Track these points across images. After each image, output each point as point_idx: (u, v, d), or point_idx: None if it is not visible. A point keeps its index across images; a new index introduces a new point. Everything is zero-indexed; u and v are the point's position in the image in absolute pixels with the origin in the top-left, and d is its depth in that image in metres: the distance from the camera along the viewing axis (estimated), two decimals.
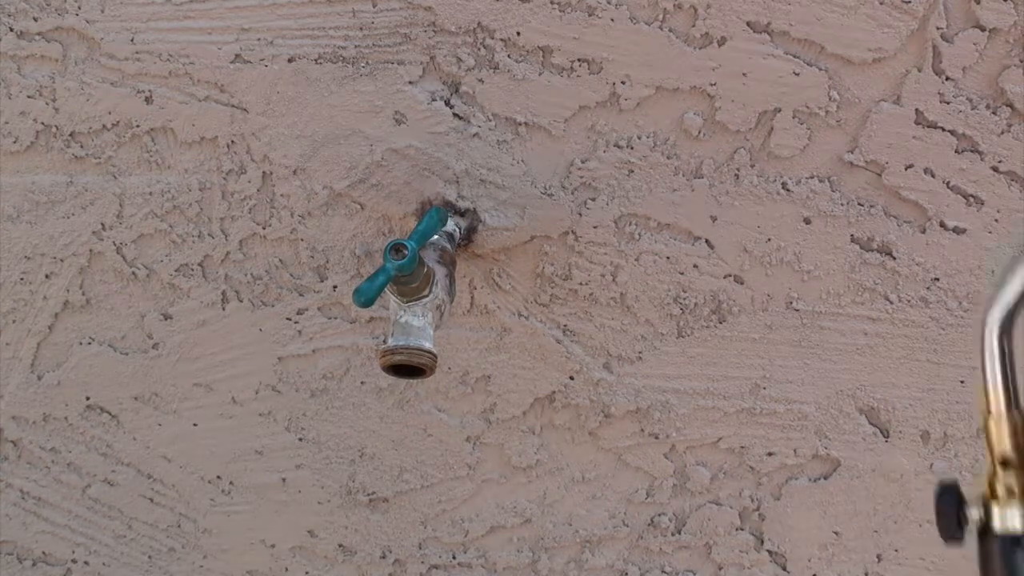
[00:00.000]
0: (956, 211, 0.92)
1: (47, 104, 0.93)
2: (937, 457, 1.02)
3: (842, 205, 0.93)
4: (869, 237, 0.94)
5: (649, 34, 0.88)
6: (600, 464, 1.07)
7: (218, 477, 1.11)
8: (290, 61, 0.91)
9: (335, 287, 1.00)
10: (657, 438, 1.05)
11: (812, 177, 0.92)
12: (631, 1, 0.87)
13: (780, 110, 0.90)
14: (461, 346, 1.02)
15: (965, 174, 0.91)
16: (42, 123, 0.94)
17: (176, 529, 1.14)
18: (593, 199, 0.94)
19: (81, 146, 0.95)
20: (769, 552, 1.10)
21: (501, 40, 0.89)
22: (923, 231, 0.93)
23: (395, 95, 0.92)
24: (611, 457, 1.07)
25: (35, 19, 0.91)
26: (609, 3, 0.88)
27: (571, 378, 1.03)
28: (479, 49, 0.90)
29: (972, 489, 0.60)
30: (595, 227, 0.95)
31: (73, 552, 1.15)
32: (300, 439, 1.08)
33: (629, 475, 1.08)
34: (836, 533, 1.09)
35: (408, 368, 0.83)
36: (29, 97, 0.93)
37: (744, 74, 0.89)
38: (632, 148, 0.92)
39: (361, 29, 0.90)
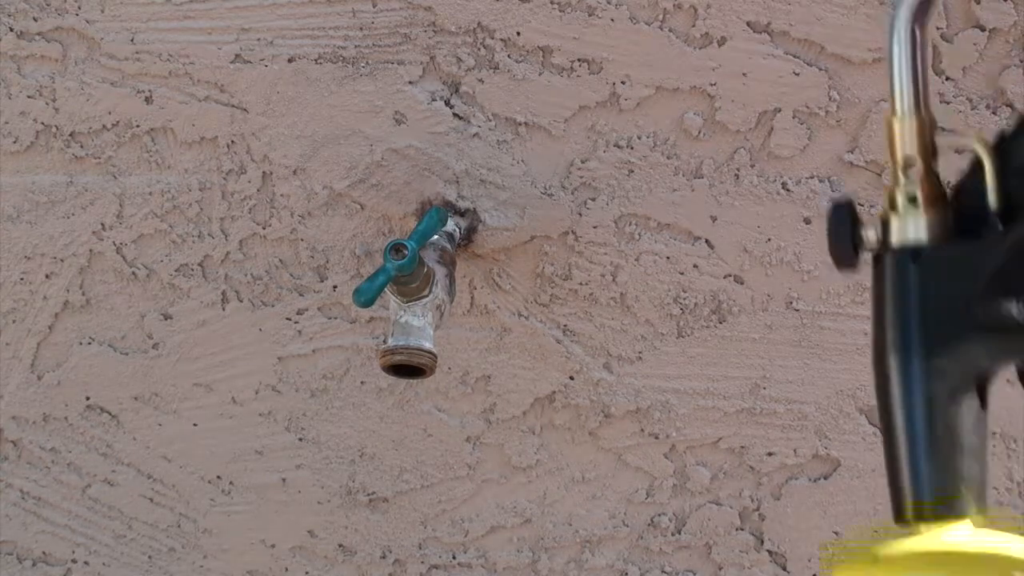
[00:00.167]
0: None
1: (47, 104, 0.93)
2: None
3: None
4: None
5: (649, 34, 0.88)
6: (600, 464, 1.07)
7: (218, 477, 1.11)
8: (290, 61, 0.91)
9: (335, 287, 1.00)
10: (657, 438, 1.05)
11: (812, 177, 0.92)
12: (631, 1, 0.87)
13: (780, 110, 0.90)
14: (461, 346, 1.02)
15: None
16: (42, 123, 0.94)
17: (176, 529, 1.14)
18: (593, 199, 0.94)
19: (81, 146, 0.95)
20: (769, 552, 1.10)
21: (501, 40, 0.89)
22: None
23: (395, 95, 0.92)
24: (611, 457, 1.07)
25: (35, 19, 0.91)
26: (609, 3, 0.88)
27: (571, 378, 1.03)
28: (479, 49, 0.90)
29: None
30: (595, 227, 0.95)
31: (73, 552, 1.15)
32: (300, 439, 1.08)
33: (629, 475, 1.08)
34: (836, 533, 1.09)
35: (408, 368, 0.83)
36: (29, 97, 0.93)
37: (744, 74, 0.89)
38: (632, 148, 0.92)
39: (361, 29, 0.90)
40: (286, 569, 1.16)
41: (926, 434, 0.49)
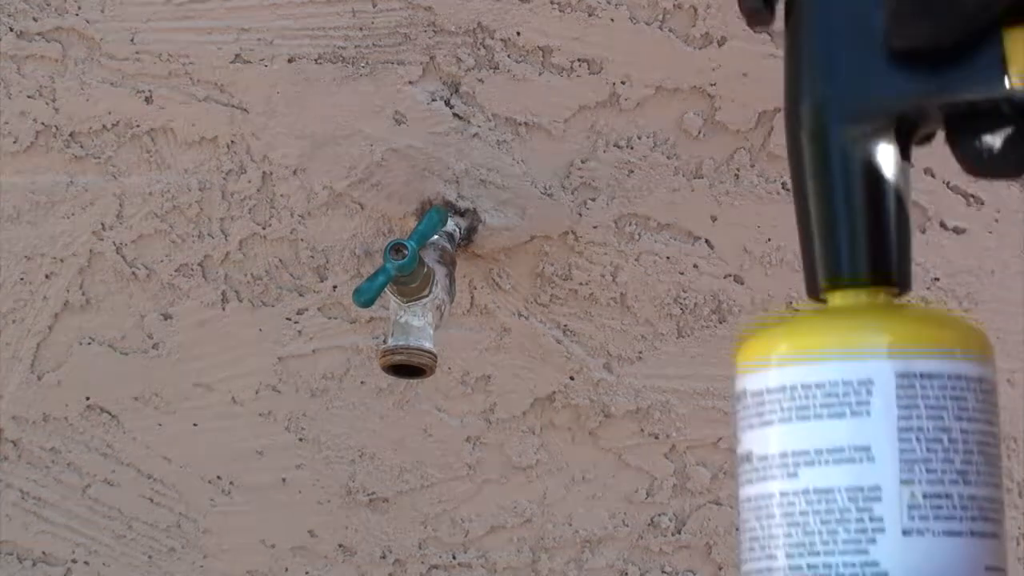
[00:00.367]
0: (956, 211, 0.92)
1: (47, 104, 0.93)
2: None
3: None
4: None
5: (649, 34, 0.88)
6: (600, 464, 1.07)
7: (218, 477, 1.11)
8: (290, 61, 0.91)
9: (335, 287, 1.00)
10: (657, 438, 1.05)
11: None
12: (631, 1, 0.87)
13: (780, 110, 0.90)
14: (461, 346, 1.02)
15: (965, 174, 0.91)
16: (42, 123, 0.94)
17: (176, 529, 1.14)
18: (593, 199, 0.94)
19: (81, 146, 0.95)
20: None
21: (501, 40, 0.89)
22: (923, 231, 0.93)
23: (395, 95, 0.92)
24: (611, 457, 1.07)
25: (35, 19, 0.91)
26: (609, 3, 0.87)
27: (571, 378, 1.03)
28: (479, 49, 0.90)
29: None
30: (595, 227, 0.95)
31: (73, 552, 1.15)
32: (300, 439, 1.08)
33: (629, 475, 1.08)
34: None
35: (408, 368, 0.83)
36: (29, 97, 0.93)
37: (744, 74, 0.89)
38: (632, 148, 0.92)
39: (361, 29, 0.90)
40: (286, 569, 1.16)
41: (842, 186, 0.44)
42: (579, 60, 0.89)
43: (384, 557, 1.14)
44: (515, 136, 0.92)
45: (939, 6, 0.41)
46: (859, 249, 0.43)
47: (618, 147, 0.92)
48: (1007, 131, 0.43)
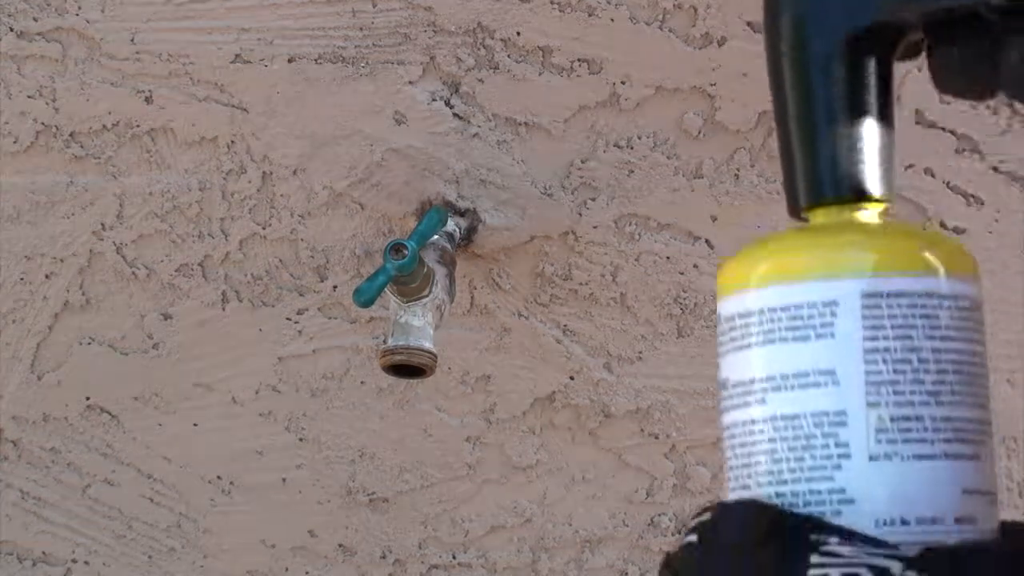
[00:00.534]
0: (956, 211, 0.92)
1: (47, 104, 0.93)
2: None
3: None
4: None
5: (649, 34, 0.88)
6: (600, 464, 1.07)
7: (218, 477, 1.11)
8: (290, 61, 0.91)
9: (335, 287, 1.00)
10: (657, 438, 1.05)
11: None
12: (631, 1, 0.87)
13: None
14: (461, 346, 1.02)
15: (965, 174, 0.91)
16: (42, 123, 0.94)
17: (176, 529, 1.14)
18: (593, 199, 0.94)
19: (81, 146, 0.95)
20: None
21: (501, 40, 0.89)
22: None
23: (395, 95, 0.92)
24: (611, 457, 1.07)
25: (35, 19, 0.91)
26: (609, 3, 0.87)
27: (571, 378, 1.03)
28: (479, 49, 0.90)
29: None
30: (595, 227, 0.95)
31: (73, 552, 1.15)
32: (300, 439, 1.08)
33: (629, 475, 1.08)
34: None
35: (408, 368, 0.83)
36: (29, 97, 0.93)
37: (744, 74, 0.89)
38: (632, 148, 0.92)
39: (361, 29, 0.90)
40: (286, 569, 1.16)
41: (823, 98, 0.42)
42: (579, 60, 0.89)
43: (384, 557, 1.14)
44: (515, 136, 0.92)
45: None
46: (840, 164, 0.42)
47: (618, 147, 0.92)
48: (983, 43, 0.41)
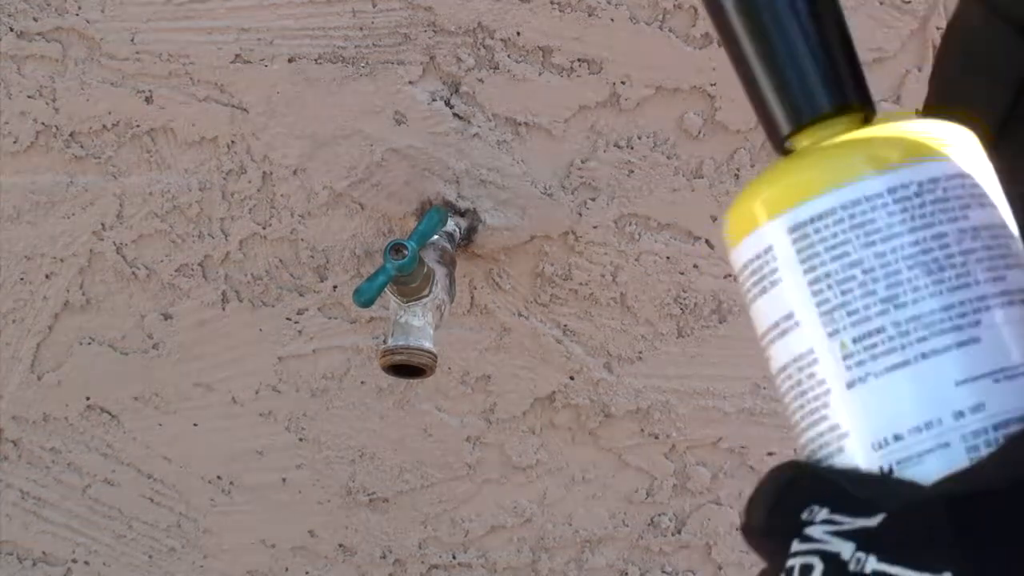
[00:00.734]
0: None
1: (47, 104, 0.93)
2: None
3: None
4: None
5: (649, 34, 0.88)
6: (600, 464, 1.07)
7: (218, 477, 1.11)
8: (290, 61, 0.91)
9: (335, 287, 1.00)
10: (657, 438, 1.05)
11: None
12: (631, 1, 0.87)
13: None
14: (461, 346, 1.02)
15: None
16: (42, 123, 0.94)
17: (176, 529, 1.14)
18: (593, 199, 0.94)
19: (81, 146, 0.95)
20: None
21: (501, 40, 0.89)
22: None
23: (395, 95, 0.92)
24: (611, 457, 1.07)
25: (35, 19, 0.91)
26: (609, 3, 0.87)
27: (571, 378, 1.03)
28: (479, 49, 0.90)
29: None
30: (595, 227, 0.95)
31: (73, 552, 1.15)
32: (300, 439, 1.08)
33: (629, 475, 1.08)
34: None
35: (408, 368, 0.83)
36: (29, 97, 0.93)
37: None
38: (632, 148, 0.92)
39: (361, 29, 0.90)
40: (286, 569, 1.16)
41: (776, 13, 0.40)
42: (579, 60, 0.89)
43: (384, 557, 1.14)
44: (515, 136, 0.92)
45: None
46: (811, 80, 0.40)
47: (618, 147, 0.92)
48: None
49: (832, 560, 0.33)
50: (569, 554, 1.12)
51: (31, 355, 1.05)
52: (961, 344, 0.35)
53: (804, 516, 0.34)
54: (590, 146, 0.92)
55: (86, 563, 1.16)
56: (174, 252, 1.00)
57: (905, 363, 0.35)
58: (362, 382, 1.05)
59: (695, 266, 0.97)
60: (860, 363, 0.35)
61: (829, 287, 0.36)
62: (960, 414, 0.34)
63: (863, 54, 0.40)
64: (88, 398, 1.07)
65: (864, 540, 0.33)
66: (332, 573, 1.15)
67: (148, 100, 0.93)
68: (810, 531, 0.34)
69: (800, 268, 0.36)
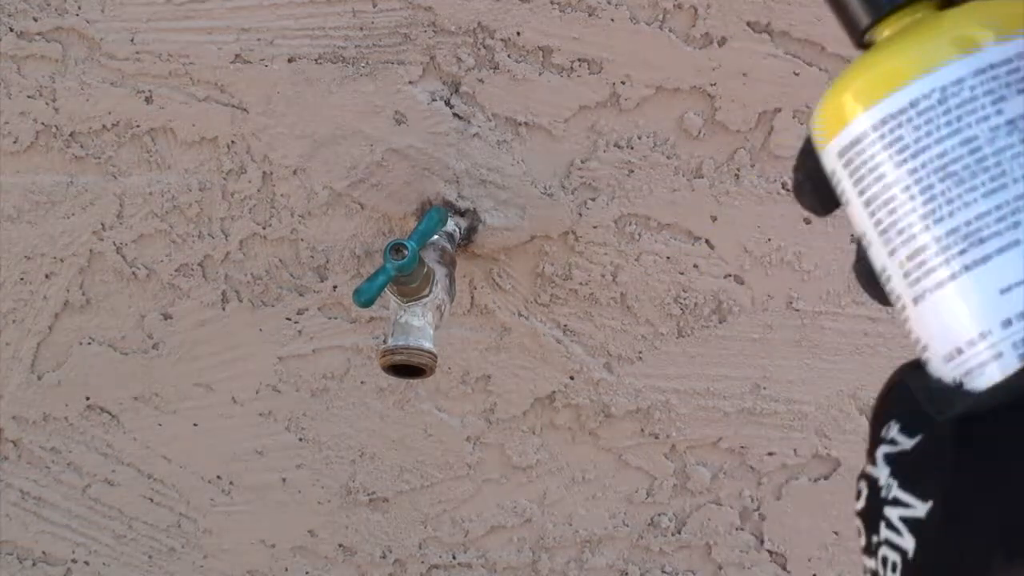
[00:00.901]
0: None
1: (47, 104, 0.93)
2: None
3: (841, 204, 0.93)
4: None
5: (649, 34, 0.88)
6: (600, 464, 1.07)
7: (218, 477, 1.11)
8: (290, 61, 0.91)
9: (335, 287, 1.00)
10: (657, 438, 1.05)
11: None
12: (631, 1, 0.87)
13: (780, 110, 0.90)
14: (461, 346, 1.02)
15: None
16: (42, 123, 0.94)
17: (176, 529, 1.14)
18: (593, 199, 0.94)
19: (81, 146, 0.95)
20: (769, 552, 1.10)
21: (501, 40, 0.89)
22: None
23: (395, 95, 0.92)
24: (611, 457, 1.07)
25: (35, 19, 0.91)
26: (609, 3, 0.87)
27: (571, 378, 1.03)
28: (479, 49, 0.90)
29: None
30: (595, 227, 0.95)
31: (73, 552, 1.15)
32: (300, 439, 1.08)
33: (629, 475, 1.08)
34: (836, 533, 1.09)
35: (408, 368, 0.83)
36: (29, 97, 0.93)
37: (744, 74, 0.89)
38: (632, 148, 0.92)
39: (361, 29, 0.90)
40: (286, 569, 1.16)
41: None
42: (579, 60, 0.89)
43: (384, 557, 1.14)
44: (515, 136, 0.92)
45: None
46: None
47: (618, 147, 0.92)
48: None
49: (872, 485, 0.33)
50: (569, 554, 1.12)
51: (31, 355, 1.05)
52: (1003, 250, 0.34)
53: (882, 433, 0.34)
54: (590, 146, 0.92)
55: (86, 563, 1.16)
56: (174, 252, 1.00)
57: (953, 277, 0.34)
58: (362, 382, 1.05)
59: (695, 266, 0.97)
60: (917, 280, 0.35)
61: (878, 209, 0.36)
62: (1008, 322, 0.33)
63: None
64: (88, 398, 1.07)
65: (896, 464, 0.32)
66: (332, 573, 1.15)
67: (148, 100, 0.93)
68: (877, 451, 0.34)
69: (855, 191, 0.37)
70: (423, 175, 0.94)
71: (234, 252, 0.99)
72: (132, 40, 0.91)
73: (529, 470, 1.08)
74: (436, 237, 0.91)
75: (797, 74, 0.88)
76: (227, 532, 1.14)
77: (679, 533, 1.10)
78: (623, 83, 0.90)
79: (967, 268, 0.34)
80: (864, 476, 0.34)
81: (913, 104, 0.35)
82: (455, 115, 0.92)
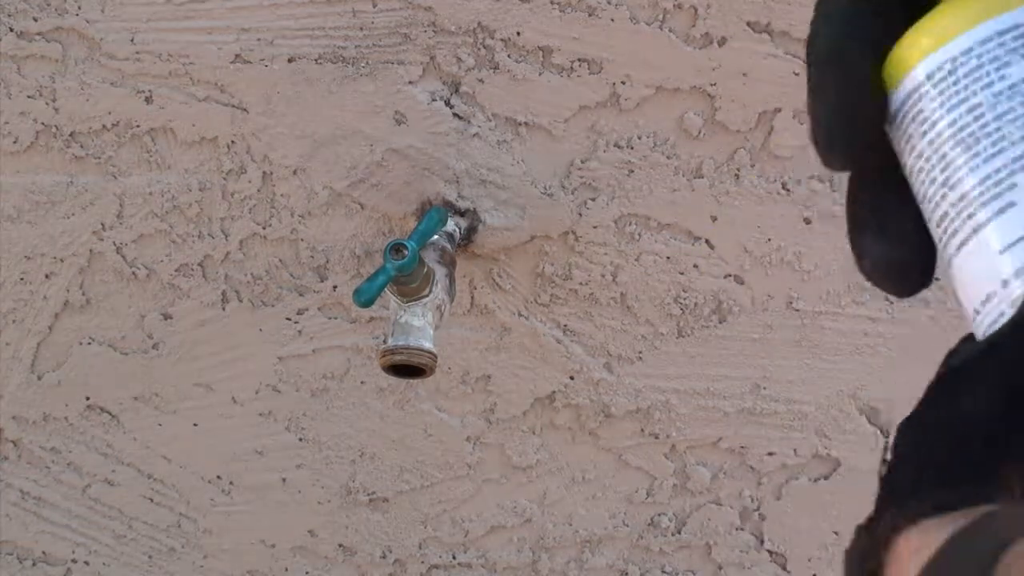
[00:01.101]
0: None
1: (47, 104, 0.93)
2: None
3: (842, 205, 0.93)
4: None
5: (649, 34, 0.88)
6: (600, 464, 1.07)
7: (218, 477, 1.11)
8: (290, 61, 0.91)
9: (335, 287, 1.00)
10: (657, 438, 1.05)
11: (812, 177, 0.92)
12: (631, 1, 0.87)
13: (780, 110, 0.90)
14: (461, 346, 1.02)
15: None
16: (42, 123, 0.94)
17: (176, 529, 1.14)
18: (593, 199, 0.94)
19: (81, 146, 0.95)
20: (769, 552, 1.10)
21: (501, 40, 0.89)
22: None
23: (395, 95, 0.92)
24: (611, 457, 1.07)
25: (35, 19, 0.91)
26: (609, 3, 0.87)
27: (571, 378, 1.03)
28: (479, 49, 0.90)
29: None
30: (595, 227, 0.95)
31: (73, 552, 1.15)
32: (300, 439, 1.08)
33: (629, 475, 1.08)
34: (836, 533, 1.09)
35: (408, 368, 0.83)
36: (29, 97, 0.93)
37: (744, 74, 0.89)
38: (632, 148, 0.92)
39: (361, 29, 0.90)
40: (286, 569, 1.16)
41: None
42: (579, 60, 0.89)
43: (384, 557, 1.14)
44: (515, 136, 0.92)
45: None
46: None
47: (618, 147, 0.92)
48: None
49: None
50: (569, 554, 1.12)
51: (31, 355, 1.05)
52: (1002, 211, 0.34)
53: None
54: (590, 146, 0.92)
55: (86, 563, 1.16)
56: (174, 252, 1.00)
57: (966, 241, 0.35)
58: (362, 382, 1.05)
59: (695, 266, 0.97)
60: (945, 245, 0.36)
61: (911, 178, 0.37)
62: (1005, 282, 0.34)
63: None
64: (88, 398, 1.07)
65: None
66: (332, 573, 1.15)
67: (148, 100, 0.93)
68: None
69: (899, 157, 0.38)
70: (423, 175, 0.94)
71: (234, 252, 0.99)
72: (132, 40, 0.91)
73: (529, 470, 1.08)
74: (436, 237, 0.91)
75: (797, 74, 0.88)
76: (227, 532, 1.14)
77: (679, 533, 1.10)
78: (623, 83, 0.90)
79: (975, 231, 0.35)
80: None
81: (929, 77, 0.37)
82: (455, 115, 0.92)
